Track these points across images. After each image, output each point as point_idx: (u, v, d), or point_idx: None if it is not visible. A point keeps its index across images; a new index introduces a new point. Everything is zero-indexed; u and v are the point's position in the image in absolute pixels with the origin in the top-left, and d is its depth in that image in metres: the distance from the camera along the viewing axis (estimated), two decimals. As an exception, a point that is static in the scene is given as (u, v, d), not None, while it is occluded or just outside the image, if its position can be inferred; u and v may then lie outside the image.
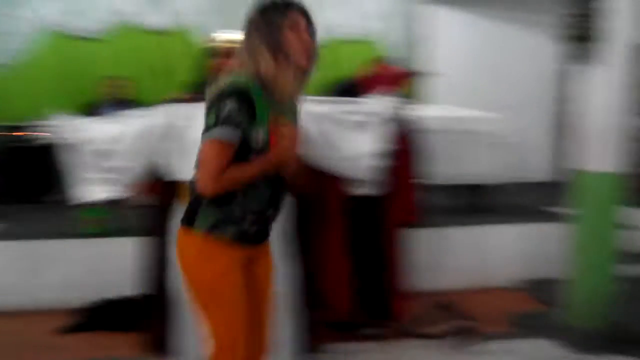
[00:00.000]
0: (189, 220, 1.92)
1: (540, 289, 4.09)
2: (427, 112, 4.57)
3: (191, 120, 2.54)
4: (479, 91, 6.19)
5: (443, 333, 3.33)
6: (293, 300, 2.70)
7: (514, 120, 6.03)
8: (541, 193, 5.68)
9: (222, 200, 1.86)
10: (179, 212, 2.59)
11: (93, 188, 2.67)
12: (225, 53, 2.52)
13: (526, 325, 3.57)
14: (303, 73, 1.89)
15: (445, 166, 4.40)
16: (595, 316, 3.48)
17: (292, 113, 1.96)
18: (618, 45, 3.31)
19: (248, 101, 1.78)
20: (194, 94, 2.60)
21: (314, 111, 2.63)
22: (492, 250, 4.28)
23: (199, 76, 2.61)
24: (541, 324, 3.57)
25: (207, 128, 1.80)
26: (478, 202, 4.79)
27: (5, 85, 5.83)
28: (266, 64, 1.81)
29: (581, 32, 3.33)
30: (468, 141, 4.50)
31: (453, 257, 4.19)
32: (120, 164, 2.64)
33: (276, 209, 1.97)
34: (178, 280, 2.57)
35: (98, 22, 5.96)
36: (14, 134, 5.32)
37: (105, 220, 3.98)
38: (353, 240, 3.28)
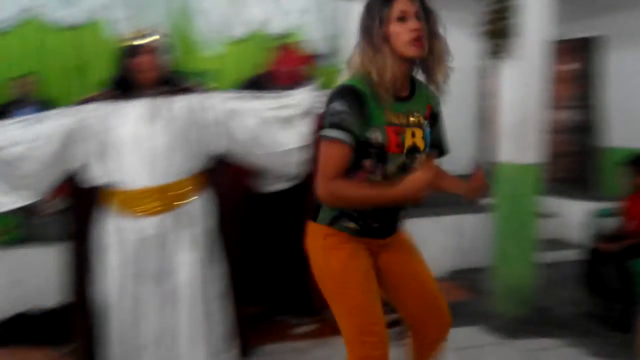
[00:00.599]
0: (313, 214, 1.96)
1: (468, 279, 4.22)
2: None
3: (110, 120, 2.45)
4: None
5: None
6: (223, 302, 2.65)
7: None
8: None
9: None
10: (100, 217, 2.52)
11: (5, 197, 2.49)
12: (147, 50, 2.43)
13: (456, 314, 3.65)
14: (414, 63, 1.87)
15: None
16: (519, 302, 3.62)
17: (420, 108, 1.93)
18: (532, 41, 3.45)
19: (358, 101, 1.76)
20: (112, 92, 2.50)
21: (239, 107, 2.60)
22: (421, 243, 4.35)
23: (118, 74, 2.50)
24: (470, 312, 3.68)
25: (321, 130, 1.80)
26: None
27: None
28: (369, 62, 1.79)
29: (497, 29, 3.44)
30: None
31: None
32: (33, 170, 2.46)
33: (394, 212, 1.98)
34: (102, 288, 2.53)
35: (3, 17, 5.61)
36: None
37: (17, 228, 3.75)
38: (275, 236, 3.29)
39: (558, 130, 6.26)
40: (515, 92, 3.51)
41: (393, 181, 1.80)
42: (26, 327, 3.40)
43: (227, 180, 2.73)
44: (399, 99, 1.85)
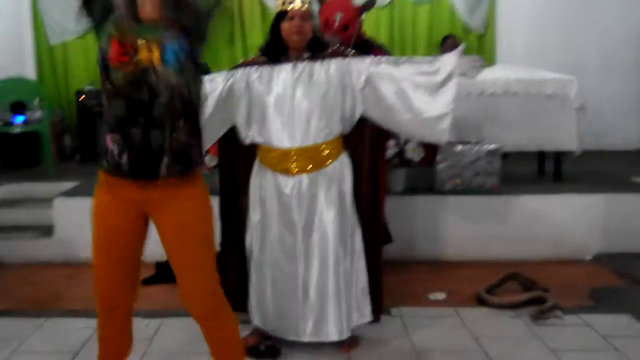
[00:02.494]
0: None
1: (622, 263, 3.88)
2: (503, 74, 4.38)
3: (258, 84, 2.60)
4: (557, 51, 5.87)
5: (517, 303, 3.22)
6: (360, 261, 2.73)
7: (598, 84, 5.66)
8: (627, 162, 5.35)
9: (102, 123, 1.95)
10: (249, 173, 2.71)
11: None
12: (293, 15, 2.52)
13: (605, 300, 3.40)
14: None
15: (522, 132, 4.22)
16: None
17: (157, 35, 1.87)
18: None
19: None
20: (262, 57, 2.64)
21: (389, 71, 2.60)
22: (571, 221, 4.06)
23: (269, 39, 2.63)
24: (620, 299, 3.39)
25: None
26: (558, 170, 4.55)
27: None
28: None
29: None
30: (546, 105, 4.26)
31: (529, 226, 4.01)
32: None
33: (149, 126, 1.86)
34: (251, 238, 2.72)
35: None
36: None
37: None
38: None
39: None
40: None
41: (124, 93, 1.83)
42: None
43: (365, 144, 2.77)
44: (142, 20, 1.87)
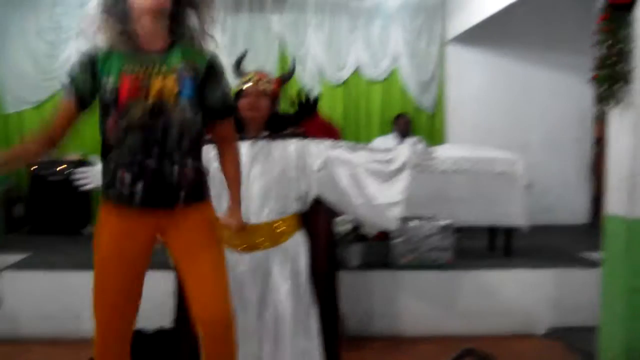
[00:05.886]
0: None
1: (574, 338, 3.94)
2: (453, 153, 4.53)
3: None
4: (504, 130, 6.16)
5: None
6: (315, 343, 2.67)
7: (543, 161, 5.90)
8: (575, 237, 5.54)
9: (103, 155, 1.97)
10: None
11: None
12: (249, 93, 2.58)
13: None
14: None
15: (473, 208, 4.33)
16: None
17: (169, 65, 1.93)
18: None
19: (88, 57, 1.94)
20: None
21: (344, 157, 2.69)
22: (523, 296, 4.14)
23: None
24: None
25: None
26: (509, 246, 4.67)
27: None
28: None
29: (608, 74, 3.28)
30: (495, 183, 4.42)
31: (483, 301, 4.07)
32: None
33: (162, 157, 1.91)
34: None
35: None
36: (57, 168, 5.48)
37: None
38: None
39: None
40: (626, 141, 3.30)
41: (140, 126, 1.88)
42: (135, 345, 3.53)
43: (320, 221, 2.79)
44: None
